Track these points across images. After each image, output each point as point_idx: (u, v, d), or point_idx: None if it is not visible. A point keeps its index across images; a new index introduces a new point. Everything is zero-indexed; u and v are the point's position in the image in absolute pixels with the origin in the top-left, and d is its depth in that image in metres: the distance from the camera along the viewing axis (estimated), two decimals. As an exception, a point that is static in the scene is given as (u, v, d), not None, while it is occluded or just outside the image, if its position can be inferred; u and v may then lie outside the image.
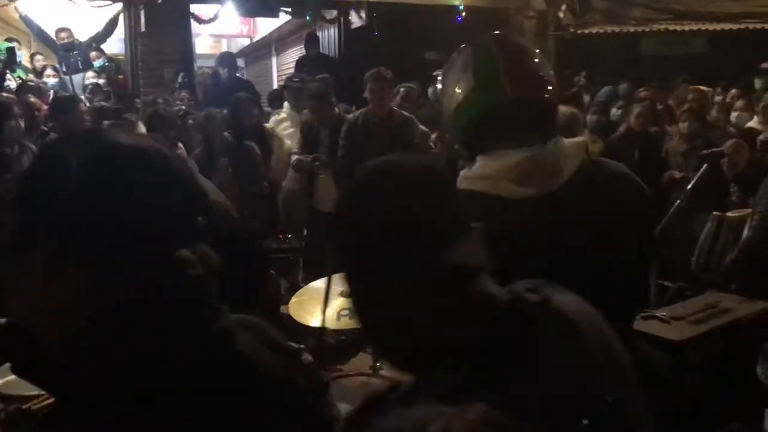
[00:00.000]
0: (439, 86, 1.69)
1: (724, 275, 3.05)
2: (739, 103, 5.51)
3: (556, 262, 1.34)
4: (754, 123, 5.45)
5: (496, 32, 1.68)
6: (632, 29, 9.35)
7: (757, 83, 6.64)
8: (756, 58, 7.27)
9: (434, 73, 6.22)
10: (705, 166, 4.02)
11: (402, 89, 5.58)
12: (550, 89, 1.57)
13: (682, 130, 5.26)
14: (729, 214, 3.50)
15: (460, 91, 1.56)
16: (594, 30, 9.30)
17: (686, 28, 9.12)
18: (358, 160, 4.81)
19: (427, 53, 8.25)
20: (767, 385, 1.52)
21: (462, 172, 1.57)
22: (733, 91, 6.44)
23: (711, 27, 9.09)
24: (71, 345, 0.82)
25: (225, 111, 5.50)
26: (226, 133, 5.20)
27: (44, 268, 0.82)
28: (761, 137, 4.07)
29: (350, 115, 5.33)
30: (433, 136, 5.27)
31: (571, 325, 1.01)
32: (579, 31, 9.27)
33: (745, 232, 3.14)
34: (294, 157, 5.33)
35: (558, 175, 1.48)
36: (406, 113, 5.25)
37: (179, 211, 0.88)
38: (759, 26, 8.93)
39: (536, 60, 1.59)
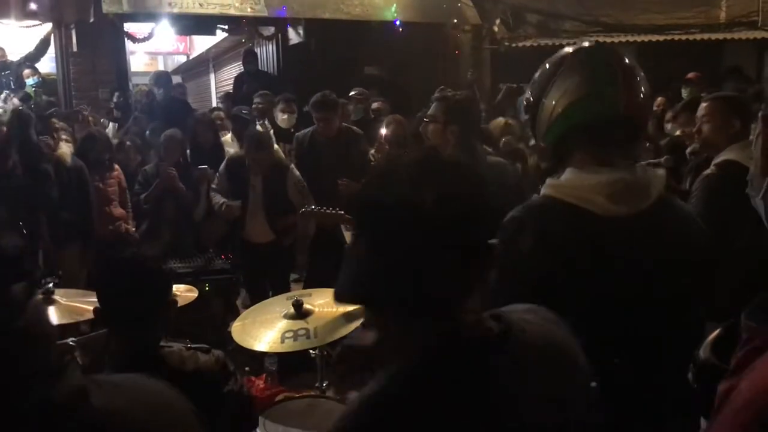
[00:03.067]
0: (533, 85, 1.67)
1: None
2: (669, 116, 5.71)
3: (632, 278, 1.46)
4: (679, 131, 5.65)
5: (609, 44, 1.67)
6: (564, 41, 9.60)
7: (684, 92, 6.88)
8: (681, 67, 7.54)
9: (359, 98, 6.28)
10: None
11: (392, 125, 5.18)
12: (649, 113, 1.61)
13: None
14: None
15: (568, 95, 1.56)
16: (528, 43, 9.51)
17: (615, 39, 9.40)
18: (308, 176, 4.88)
19: (367, 68, 8.31)
20: (698, 391, 1.57)
21: (550, 180, 1.60)
22: (659, 98, 6.67)
23: (638, 38, 9.41)
24: None
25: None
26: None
27: None
28: (688, 150, 4.22)
29: (299, 134, 5.35)
30: (372, 150, 5.32)
31: (528, 355, 1.04)
32: (513, 45, 9.47)
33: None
34: (220, 201, 4.89)
35: (646, 198, 1.54)
36: (355, 129, 5.30)
37: None
38: (683, 37, 9.30)
39: (645, 82, 1.61)
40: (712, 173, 3.05)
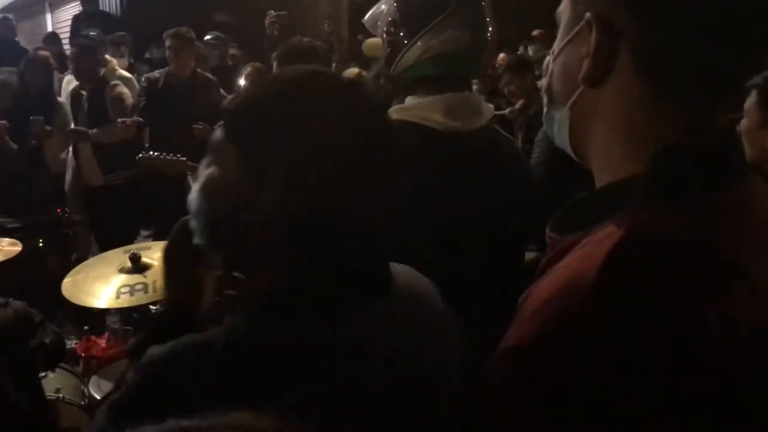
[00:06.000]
0: (403, 17, 1.65)
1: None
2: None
3: (474, 189, 1.57)
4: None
5: None
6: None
7: (530, 50, 7.12)
8: (529, 24, 7.78)
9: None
10: None
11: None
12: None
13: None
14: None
15: (446, 44, 1.59)
16: (385, -6, 9.47)
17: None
18: (161, 121, 4.61)
19: (215, 14, 7.93)
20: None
21: (393, 107, 1.67)
22: (501, 55, 6.87)
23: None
24: None
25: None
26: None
27: None
28: (516, 107, 4.44)
29: (151, 74, 5.04)
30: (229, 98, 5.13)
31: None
32: (370, -5, 9.40)
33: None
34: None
35: (479, 115, 1.66)
36: (209, 76, 5.06)
37: None
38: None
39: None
40: None
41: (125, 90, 4.79)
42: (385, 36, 1.70)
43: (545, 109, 0.83)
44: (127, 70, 5.87)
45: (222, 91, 4.99)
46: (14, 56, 6.17)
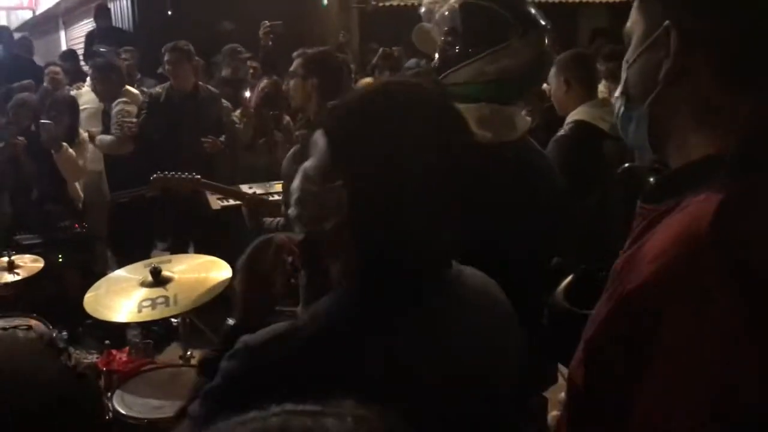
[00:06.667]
0: (467, 33, 1.64)
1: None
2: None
3: (497, 203, 1.51)
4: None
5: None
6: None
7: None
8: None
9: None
10: None
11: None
12: None
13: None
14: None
15: (510, 71, 1.58)
16: (395, 3, 9.49)
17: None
18: (165, 135, 4.64)
19: (223, 23, 7.95)
20: (552, 335, 1.63)
21: None
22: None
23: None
24: None
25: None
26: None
27: None
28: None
29: (153, 89, 5.03)
30: (237, 112, 5.12)
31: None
32: (381, 4, 9.42)
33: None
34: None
35: (513, 129, 1.64)
36: (212, 88, 5.04)
37: None
38: None
39: None
40: (565, 134, 3.15)
41: (129, 108, 4.82)
42: (441, 40, 1.68)
43: (621, 110, 0.91)
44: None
45: (227, 103, 4.98)
46: (30, 74, 6.24)
